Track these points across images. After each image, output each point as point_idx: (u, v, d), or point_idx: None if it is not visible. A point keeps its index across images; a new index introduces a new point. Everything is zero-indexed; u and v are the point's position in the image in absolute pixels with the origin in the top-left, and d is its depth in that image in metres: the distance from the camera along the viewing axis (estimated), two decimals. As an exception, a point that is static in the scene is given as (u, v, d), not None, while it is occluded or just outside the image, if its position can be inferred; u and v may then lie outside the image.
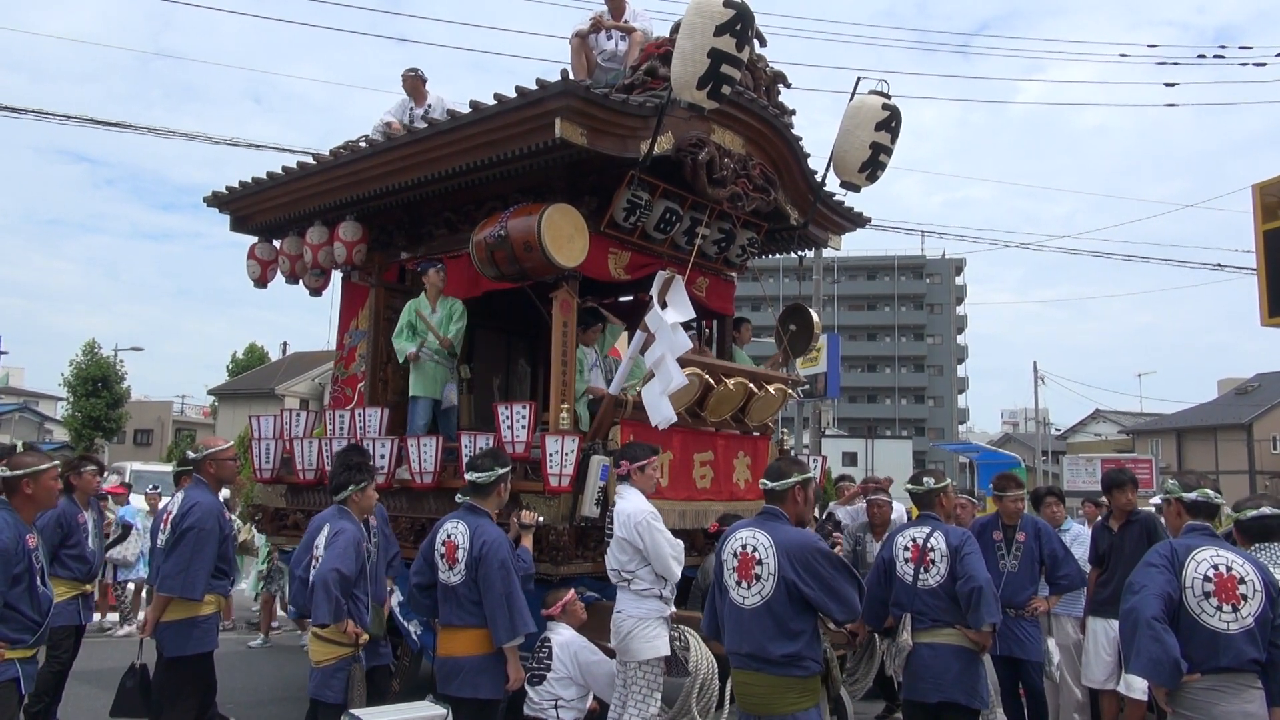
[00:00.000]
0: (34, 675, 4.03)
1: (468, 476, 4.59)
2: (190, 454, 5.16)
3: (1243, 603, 3.48)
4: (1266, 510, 3.87)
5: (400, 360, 6.65)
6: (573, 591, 4.87)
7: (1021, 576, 5.71)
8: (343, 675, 4.41)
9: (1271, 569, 3.67)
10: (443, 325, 6.61)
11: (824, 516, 8.04)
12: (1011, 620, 5.56)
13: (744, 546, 3.75)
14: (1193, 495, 3.85)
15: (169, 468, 16.84)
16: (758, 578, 3.67)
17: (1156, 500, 7.44)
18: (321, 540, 4.51)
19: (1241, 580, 3.51)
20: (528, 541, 4.86)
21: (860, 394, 70.67)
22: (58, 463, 4.16)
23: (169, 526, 4.90)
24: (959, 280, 73.73)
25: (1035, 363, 40.85)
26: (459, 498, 4.82)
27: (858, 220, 7.71)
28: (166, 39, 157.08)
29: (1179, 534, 3.84)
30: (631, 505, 4.64)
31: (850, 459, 42.24)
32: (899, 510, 8.27)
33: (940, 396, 71.08)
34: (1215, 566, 3.54)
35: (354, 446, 5.23)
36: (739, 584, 3.72)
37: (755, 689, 3.66)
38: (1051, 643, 6.17)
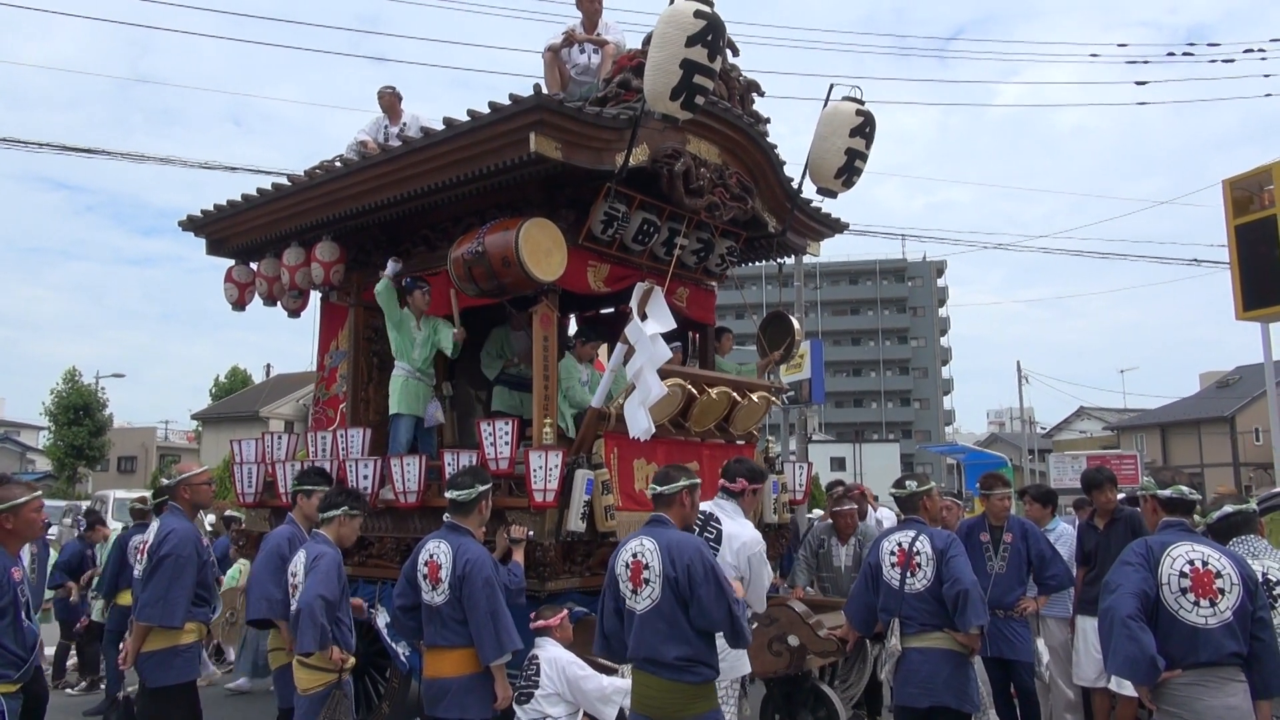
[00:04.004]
0: (18, 711, 3.97)
1: (448, 495, 4.55)
2: (164, 480, 5.11)
3: (1220, 597, 3.50)
4: (1228, 508, 3.98)
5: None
6: (565, 613, 4.82)
7: (1009, 578, 5.71)
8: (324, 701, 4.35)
9: (1250, 560, 3.69)
10: (427, 342, 6.56)
11: (805, 532, 8.06)
12: (1001, 621, 5.56)
13: (634, 555, 3.82)
14: (1167, 492, 3.88)
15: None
16: (646, 582, 3.74)
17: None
18: (300, 566, 4.45)
19: (1218, 575, 3.53)
20: (519, 556, 4.83)
21: (846, 398, 70.87)
22: (39, 493, 4.09)
23: (145, 555, 4.83)
24: (940, 283, 74.18)
25: (1019, 362, 41.17)
26: (447, 517, 4.78)
27: (835, 226, 7.74)
28: (146, 64, 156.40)
29: (1156, 530, 3.86)
30: (748, 532, 4.49)
31: (838, 464, 42.33)
32: (888, 515, 8.26)
33: (926, 399, 71.35)
34: (1191, 562, 3.56)
35: (346, 489, 5.20)
36: (633, 592, 3.78)
37: (651, 692, 3.70)
38: (1040, 643, 6.18)
